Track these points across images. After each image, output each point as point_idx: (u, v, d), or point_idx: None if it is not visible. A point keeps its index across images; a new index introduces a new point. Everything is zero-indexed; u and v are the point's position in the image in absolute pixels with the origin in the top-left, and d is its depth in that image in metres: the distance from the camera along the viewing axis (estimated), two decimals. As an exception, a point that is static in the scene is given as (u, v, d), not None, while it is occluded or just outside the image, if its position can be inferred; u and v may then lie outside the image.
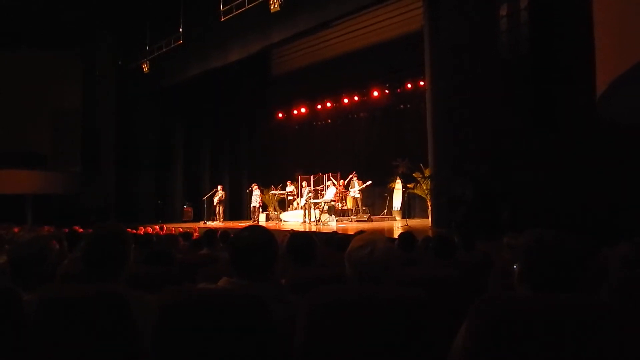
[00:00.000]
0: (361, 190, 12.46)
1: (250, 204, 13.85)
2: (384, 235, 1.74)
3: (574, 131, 6.55)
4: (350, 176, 12.80)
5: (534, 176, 6.86)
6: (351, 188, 12.71)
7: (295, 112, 16.55)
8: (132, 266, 2.22)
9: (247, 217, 14.80)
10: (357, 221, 11.94)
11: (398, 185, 12.39)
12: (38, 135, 16.35)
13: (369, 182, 12.47)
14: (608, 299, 1.68)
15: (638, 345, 1.18)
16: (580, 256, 1.39)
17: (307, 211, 12.19)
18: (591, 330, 1.21)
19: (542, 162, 6.85)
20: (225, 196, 14.33)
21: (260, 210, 13.90)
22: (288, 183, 13.85)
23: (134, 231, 8.18)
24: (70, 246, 3.37)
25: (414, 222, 11.04)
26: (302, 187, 12.78)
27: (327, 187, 12.41)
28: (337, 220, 11.80)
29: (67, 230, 6.40)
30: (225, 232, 5.35)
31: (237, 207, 16.09)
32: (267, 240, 1.67)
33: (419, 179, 11.34)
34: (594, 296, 1.51)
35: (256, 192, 13.53)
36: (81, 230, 6.71)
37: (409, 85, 13.28)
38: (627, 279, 1.81)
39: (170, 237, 5.99)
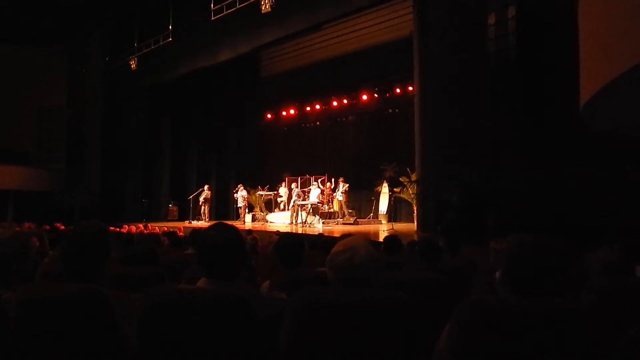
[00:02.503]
0: (344, 193, 12.50)
1: (237, 204, 13.80)
2: (367, 240, 1.69)
3: (560, 137, 6.66)
4: (337, 181, 12.88)
5: (521, 181, 6.94)
6: (337, 190, 12.78)
7: (284, 113, 16.52)
8: (117, 266, 2.18)
9: (233, 217, 14.74)
10: (344, 224, 11.95)
11: (385, 189, 12.44)
12: (21, 133, 16.06)
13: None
14: (588, 303, 1.70)
15: (615, 349, 1.20)
16: (561, 261, 1.41)
17: (294, 213, 12.17)
18: (569, 334, 1.24)
19: (529, 167, 6.93)
20: (211, 196, 14.25)
21: (247, 210, 13.86)
22: (283, 184, 13.83)
23: (118, 229, 8.09)
24: (52, 244, 3.32)
25: (400, 226, 11.10)
26: (292, 188, 12.79)
27: (311, 189, 12.42)
28: (323, 223, 11.80)
29: (48, 227, 6.30)
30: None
31: (224, 207, 16.01)
32: (233, 239, 1.62)
33: (405, 183, 11.40)
34: (572, 301, 1.53)
35: (242, 193, 13.48)
36: (62, 227, 6.61)
37: (398, 90, 13.32)
38: (607, 283, 1.84)
39: (153, 236, 5.91)
